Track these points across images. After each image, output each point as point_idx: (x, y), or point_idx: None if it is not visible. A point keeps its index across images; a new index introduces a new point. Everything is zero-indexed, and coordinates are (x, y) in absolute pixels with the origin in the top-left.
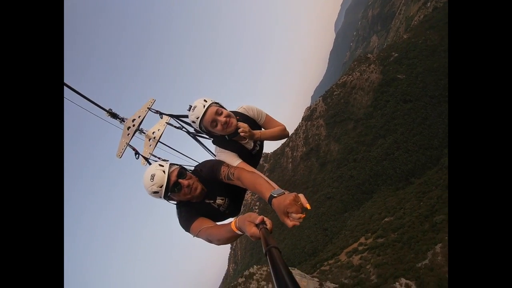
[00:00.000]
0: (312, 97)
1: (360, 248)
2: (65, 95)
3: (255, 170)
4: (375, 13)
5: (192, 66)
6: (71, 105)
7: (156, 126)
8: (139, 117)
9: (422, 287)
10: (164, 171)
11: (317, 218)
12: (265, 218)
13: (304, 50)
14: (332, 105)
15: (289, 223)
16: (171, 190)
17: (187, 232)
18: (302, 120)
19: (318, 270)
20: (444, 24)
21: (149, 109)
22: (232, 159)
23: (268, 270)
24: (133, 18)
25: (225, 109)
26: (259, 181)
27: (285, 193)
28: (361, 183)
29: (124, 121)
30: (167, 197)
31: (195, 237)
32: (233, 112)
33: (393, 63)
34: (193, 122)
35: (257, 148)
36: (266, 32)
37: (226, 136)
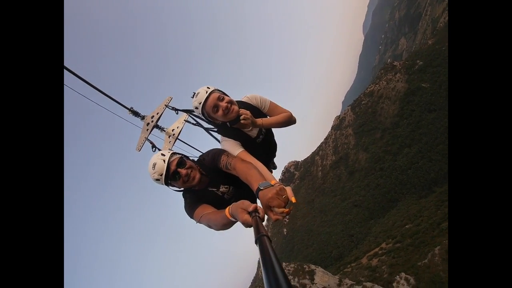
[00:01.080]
0: (343, 102)
1: (380, 252)
2: (85, 93)
3: (255, 161)
4: (401, 14)
5: (218, 72)
6: (92, 104)
7: (175, 123)
8: (157, 113)
9: (418, 281)
10: (164, 160)
11: (344, 225)
12: (258, 207)
13: (333, 54)
14: (360, 114)
15: (272, 216)
16: (171, 178)
17: (191, 219)
18: (331, 129)
19: (341, 272)
20: None
21: (166, 106)
22: (234, 148)
23: (296, 265)
24: (166, 17)
25: (228, 96)
26: (250, 172)
27: (273, 185)
28: (387, 191)
29: (144, 118)
30: (168, 184)
31: (198, 223)
32: (237, 101)
33: (418, 71)
34: (196, 108)
35: (262, 136)
36: (294, 38)
37: (228, 123)
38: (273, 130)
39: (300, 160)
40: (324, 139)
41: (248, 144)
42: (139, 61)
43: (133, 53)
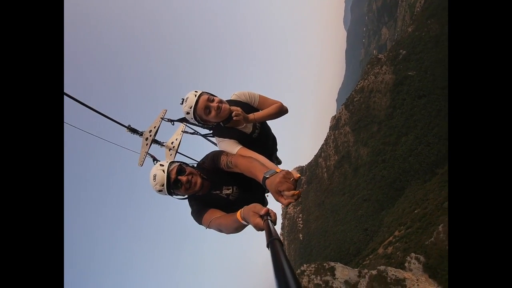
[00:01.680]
0: (336, 100)
1: (394, 240)
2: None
3: (255, 154)
4: (378, 5)
5: (199, 84)
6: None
7: (174, 136)
8: (154, 127)
9: (428, 258)
10: (163, 170)
11: (357, 220)
12: (270, 210)
13: (320, 55)
14: (355, 111)
15: (283, 201)
16: (172, 187)
17: (200, 225)
18: (329, 130)
19: (360, 265)
20: (443, 10)
21: (162, 119)
22: (232, 146)
23: (316, 265)
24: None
25: (217, 96)
26: (253, 165)
27: (278, 172)
28: (392, 181)
29: (142, 134)
30: (171, 194)
31: (207, 228)
32: (227, 101)
33: (402, 61)
34: (187, 113)
35: (257, 131)
36: (277, 45)
37: (221, 123)
38: (271, 126)
39: (304, 165)
40: (324, 140)
41: (245, 141)
42: (125, 77)
43: (120, 69)
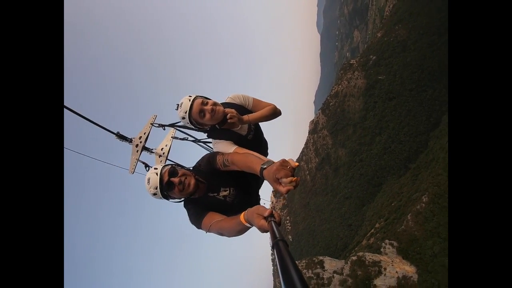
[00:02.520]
0: (314, 102)
1: (374, 231)
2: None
3: (251, 152)
4: (350, 9)
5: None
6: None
7: (163, 142)
8: (144, 133)
9: (400, 243)
10: (157, 173)
11: (341, 217)
12: (274, 211)
13: (295, 58)
14: (331, 115)
15: (282, 189)
16: (165, 189)
17: (199, 229)
18: (309, 134)
19: (347, 257)
20: (409, 15)
21: (152, 124)
22: (228, 147)
23: (307, 260)
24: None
25: (211, 99)
26: (249, 159)
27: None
28: (371, 178)
29: (132, 141)
30: (166, 196)
31: (207, 232)
32: (221, 103)
33: (373, 66)
34: (183, 118)
35: (252, 133)
36: (252, 45)
37: (217, 125)
38: (263, 129)
39: None
40: (305, 144)
41: (240, 143)
42: (112, 81)
43: (108, 73)
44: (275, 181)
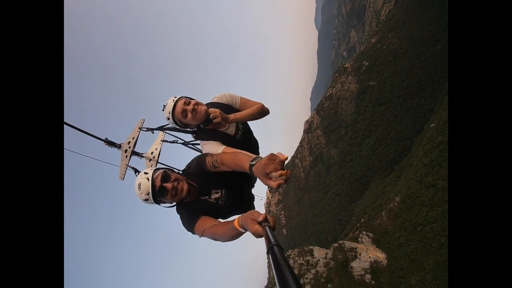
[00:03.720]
0: (310, 98)
1: (359, 225)
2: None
3: (238, 150)
4: (348, 9)
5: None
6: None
7: (153, 146)
8: (133, 138)
9: (374, 234)
10: (148, 178)
11: (332, 212)
12: (268, 216)
13: (293, 54)
14: (325, 116)
15: (272, 183)
16: (158, 195)
17: (192, 234)
18: (303, 133)
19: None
20: (403, 24)
21: (140, 129)
22: (216, 148)
23: (298, 249)
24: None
25: (194, 99)
26: (238, 157)
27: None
28: (359, 177)
29: (120, 147)
30: (158, 202)
31: (201, 237)
32: (207, 103)
33: (365, 72)
34: (168, 118)
35: (241, 132)
36: (251, 44)
37: (201, 125)
38: (252, 129)
39: None
40: (299, 143)
41: (229, 143)
42: (98, 89)
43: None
44: (265, 176)
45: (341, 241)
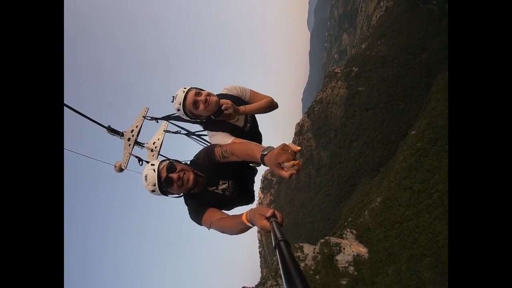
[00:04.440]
0: (302, 100)
1: (346, 224)
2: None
3: (248, 141)
4: (340, 12)
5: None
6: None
7: (155, 136)
8: (136, 127)
9: (358, 231)
10: (154, 170)
11: (321, 212)
12: (276, 212)
13: (285, 54)
14: (315, 119)
15: (285, 174)
16: (164, 186)
17: (200, 226)
18: (294, 136)
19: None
20: (392, 31)
21: (144, 117)
22: (225, 139)
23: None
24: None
25: (205, 90)
26: (249, 147)
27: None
28: (348, 178)
29: (123, 135)
30: (164, 193)
31: (209, 229)
32: (218, 94)
33: (354, 77)
34: (178, 110)
35: (249, 125)
36: (242, 40)
37: (212, 116)
38: (258, 122)
39: None
40: None
41: (237, 134)
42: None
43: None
44: (277, 166)
45: (327, 237)
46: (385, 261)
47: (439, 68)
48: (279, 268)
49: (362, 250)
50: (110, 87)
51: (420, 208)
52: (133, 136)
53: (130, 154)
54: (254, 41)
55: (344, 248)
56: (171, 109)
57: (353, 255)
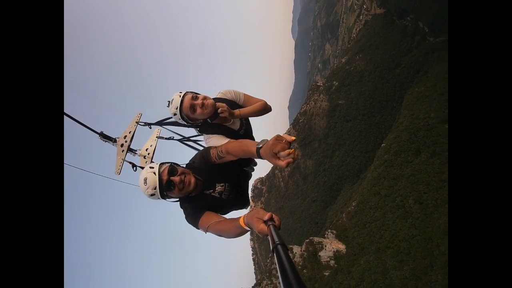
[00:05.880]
0: (288, 107)
1: (331, 226)
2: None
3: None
4: (322, 23)
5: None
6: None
7: (148, 142)
8: (129, 132)
9: (337, 231)
10: (154, 173)
11: (309, 217)
12: (274, 215)
13: (269, 62)
14: (300, 130)
15: (281, 163)
16: (165, 189)
17: (197, 229)
18: None
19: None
20: (369, 47)
21: (137, 123)
22: (220, 140)
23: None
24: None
25: (200, 94)
26: (244, 143)
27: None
28: (332, 185)
29: (116, 141)
30: (164, 196)
31: (206, 233)
32: (213, 98)
33: (335, 91)
34: (175, 114)
35: (244, 128)
36: (228, 47)
37: (208, 119)
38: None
39: (263, 176)
40: None
41: (232, 137)
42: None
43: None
44: (273, 157)
45: (311, 238)
46: (358, 254)
47: (411, 82)
48: (276, 270)
49: (341, 246)
50: (102, 91)
51: (385, 210)
52: (126, 142)
53: (124, 160)
54: (240, 47)
55: (325, 246)
56: (164, 114)
57: (333, 251)
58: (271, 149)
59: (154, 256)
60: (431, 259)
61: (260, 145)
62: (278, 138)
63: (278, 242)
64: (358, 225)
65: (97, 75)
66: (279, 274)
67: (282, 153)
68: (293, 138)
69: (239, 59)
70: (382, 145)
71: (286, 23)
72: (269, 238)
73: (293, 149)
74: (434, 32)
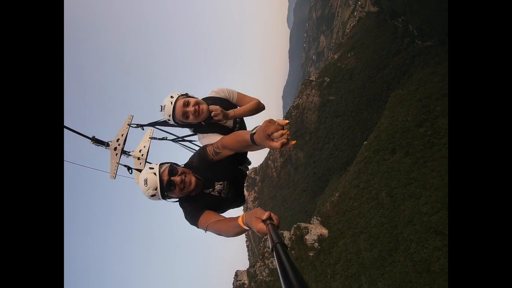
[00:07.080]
0: (282, 97)
1: (318, 214)
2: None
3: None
4: (318, 14)
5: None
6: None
7: (141, 143)
8: (122, 135)
9: (322, 218)
10: (155, 173)
11: (300, 206)
12: (272, 214)
13: (263, 51)
14: (293, 123)
15: (276, 144)
16: (166, 189)
17: (197, 228)
18: None
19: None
20: (361, 45)
21: (129, 125)
22: (215, 138)
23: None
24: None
25: (192, 97)
26: (238, 134)
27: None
28: (321, 176)
29: (109, 145)
30: (165, 197)
31: (206, 232)
32: (206, 98)
33: (326, 87)
34: (168, 120)
35: (238, 125)
36: (223, 37)
37: (203, 122)
38: (246, 123)
39: (257, 166)
40: None
41: (227, 134)
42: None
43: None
44: (267, 139)
45: (299, 223)
46: (338, 238)
47: (397, 83)
48: (278, 271)
49: (324, 231)
50: (90, 95)
51: (362, 201)
52: (119, 145)
53: (118, 163)
54: (235, 36)
55: (311, 230)
56: (156, 115)
57: (318, 235)
58: (264, 131)
59: (153, 248)
60: (395, 243)
61: (254, 131)
62: (270, 121)
63: (277, 241)
64: (339, 213)
65: (84, 76)
66: (279, 272)
67: (275, 134)
68: (287, 121)
69: (233, 49)
70: (364, 142)
71: (282, 11)
72: (268, 237)
73: (286, 130)
74: (422, 36)
